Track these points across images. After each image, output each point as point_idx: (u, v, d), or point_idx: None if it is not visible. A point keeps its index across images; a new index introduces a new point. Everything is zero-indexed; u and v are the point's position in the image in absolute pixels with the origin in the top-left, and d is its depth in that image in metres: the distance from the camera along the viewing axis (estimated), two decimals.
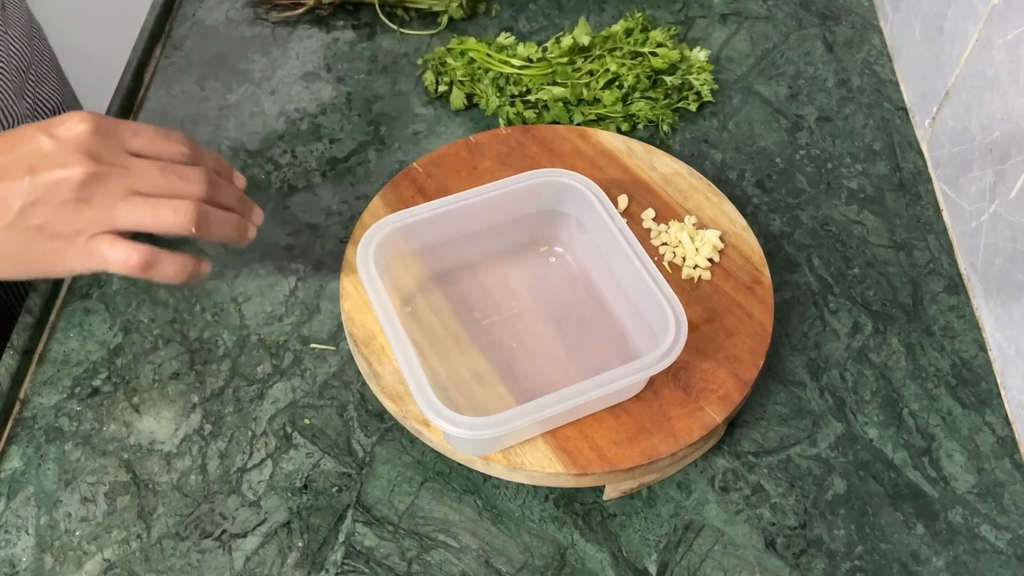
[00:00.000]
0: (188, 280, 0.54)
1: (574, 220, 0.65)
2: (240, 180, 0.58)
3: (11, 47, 0.76)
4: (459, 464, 0.59)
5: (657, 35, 0.81)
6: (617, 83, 0.78)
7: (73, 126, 0.50)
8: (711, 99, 0.81)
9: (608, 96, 0.78)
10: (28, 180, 0.49)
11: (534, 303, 0.64)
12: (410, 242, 0.62)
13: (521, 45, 0.81)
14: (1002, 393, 0.65)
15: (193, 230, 0.52)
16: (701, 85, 0.81)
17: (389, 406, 0.58)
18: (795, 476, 0.60)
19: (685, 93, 0.81)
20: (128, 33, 0.91)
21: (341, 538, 0.57)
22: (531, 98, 0.78)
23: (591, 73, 0.79)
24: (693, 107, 0.81)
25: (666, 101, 0.80)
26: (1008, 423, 0.63)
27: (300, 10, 0.88)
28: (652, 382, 0.59)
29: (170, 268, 0.52)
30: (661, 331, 0.56)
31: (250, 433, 0.61)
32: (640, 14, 0.83)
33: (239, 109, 0.81)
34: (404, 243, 0.61)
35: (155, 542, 0.57)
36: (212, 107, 0.82)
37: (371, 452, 0.61)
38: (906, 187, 0.77)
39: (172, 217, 0.51)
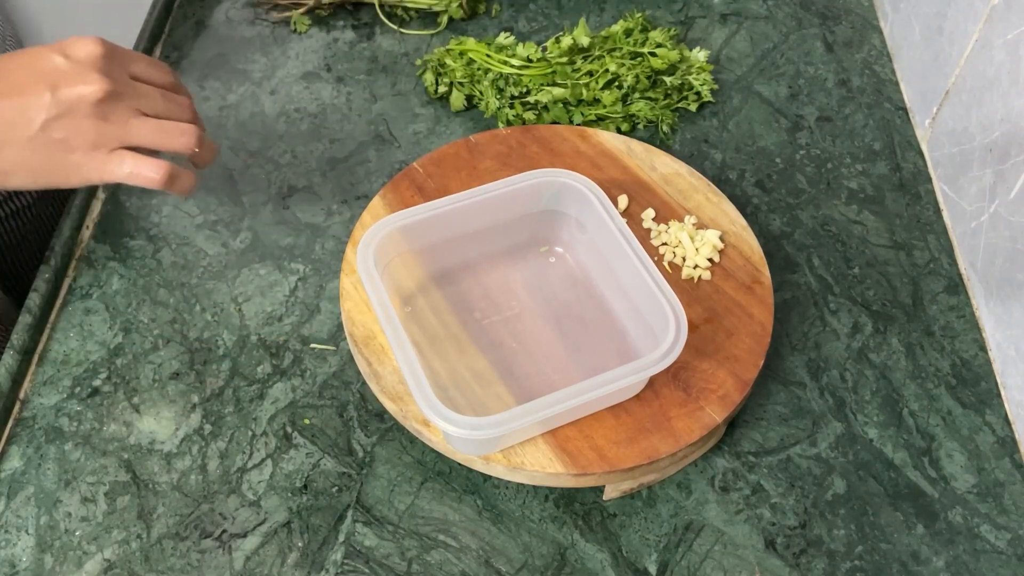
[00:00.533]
0: (191, 192, 0.59)
1: (574, 220, 0.65)
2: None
3: None
4: (459, 464, 0.59)
5: (657, 35, 0.81)
6: (616, 83, 0.78)
7: (86, 46, 0.54)
8: (711, 99, 0.81)
9: (608, 96, 0.78)
10: (49, 96, 0.52)
11: (534, 303, 0.64)
12: (410, 242, 0.62)
13: (520, 45, 0.81)
14: (1002, 393, 0.65)
15: (196, 150, 0.58)
16: (701, 85, 0.81)
17: (389, 406, 0.58)
18: (795, 476, 0.60)
19: (685, 93, 0.81)
20: (128, 33, 0.91)
21: (341, 538, 0.57)
22: (531, 99, 0.78)
23: (590, 74, 0.79)
24: (693, 107, 0.81)
25: (666, 101, 0.80)
26: (1008, 423, 0.63)
27: (300, 10, 0.88)
28: (652, 382, 0.59)
29: (187, 182, 0.58)
30: (661, 331, 0.56)
31: (250, 433, 0.61)
32: (640, 14, 0.83)
33: (239, 109, 0.81)
34: (404, 243, 0.61)
35: (155, 542, 0.57)
36: (212, 107, 0.82)
37: (371, 452, 0.61)
38: (906, 187, 0.77)
39: (180, 138, 0.57)
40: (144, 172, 0.55)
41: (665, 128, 0.79)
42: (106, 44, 0.55)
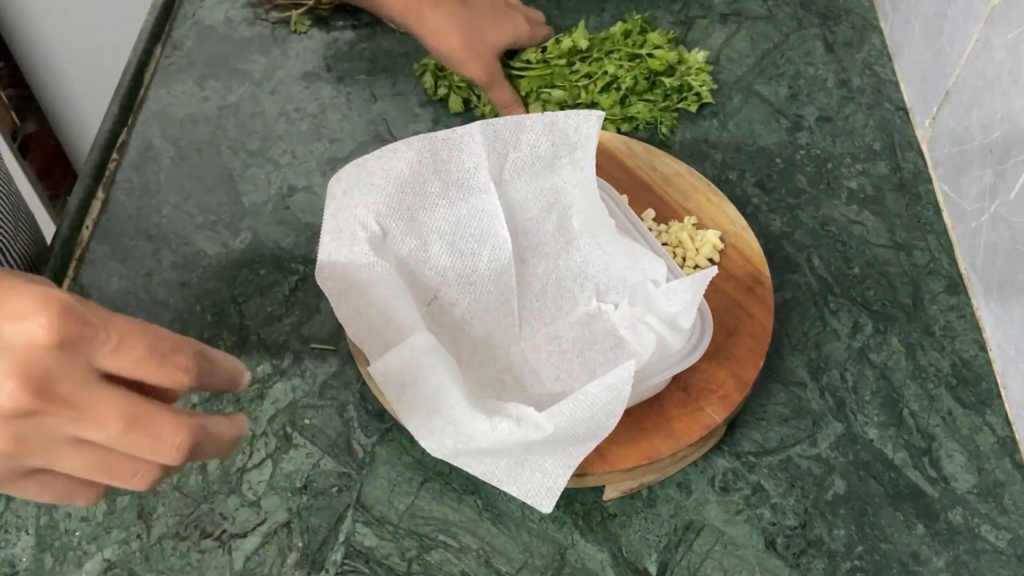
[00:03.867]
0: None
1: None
2: (240, 421, 0.42)
3: None
4: None
5: (655, 37, 0.81)
6: (615, 86, 0.78)
7: (27, 329, 0.34)
8: (711, 100, 0.81)
9: (606, 100, 0.78)
10: None
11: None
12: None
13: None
14: (1002, 393, 0.65)
15: (147, 489, 0.39)
16: (700, 86, 0.81)
17: (389, 406, 0.58)
18: (795, 476, 0.60)
19: (684, 94, 0.81)
20: (128, 33, 0.91)
21: (341, 538, 0.57)
22: (529, 103, 0.78)
23: (589, 76, 0.79)
24: (693, 108, 0.81)
25: (665, 103, 0.80)
26: (1008, 423, 0.63)
27: (300, 10, 0.88)
28: None
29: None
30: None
31: (250, 433, 0.61)
32: (639, 16, 0.83)
33: (239, 109, 0.81)
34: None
35: (155, 542, 0.57)
36: (212, 107, 0.82)
37: (371, 452, 0.61)
38: (906, 187, 0.77)
39: (129, 480, 0.38)
40: (77, 502, 0.39)
41: (664, 130, 0.79)
42: (67, 325, 0.35)
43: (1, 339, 0.34)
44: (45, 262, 0.70)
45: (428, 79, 0.82)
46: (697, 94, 0.81)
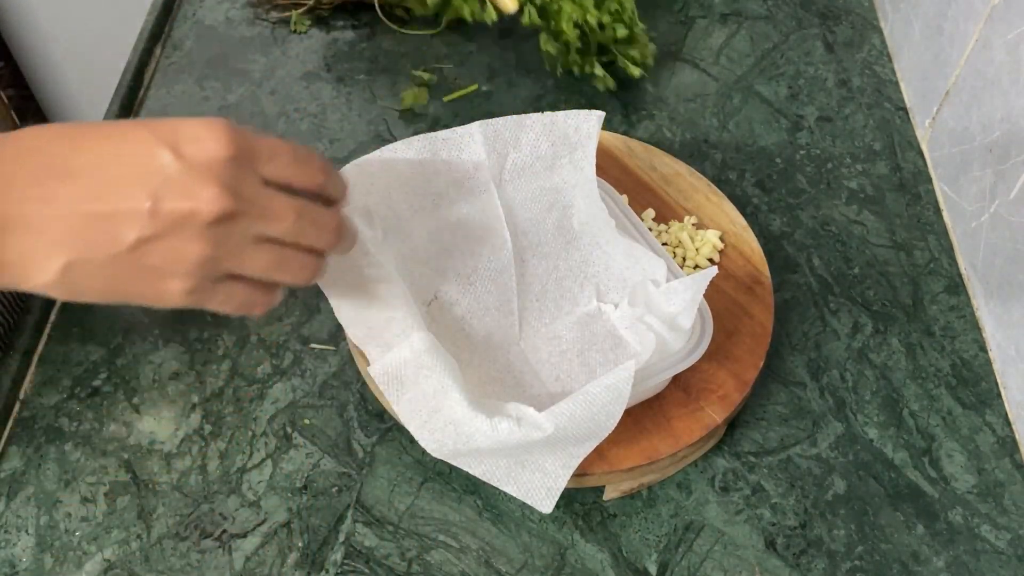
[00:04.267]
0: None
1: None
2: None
3: None
4: None
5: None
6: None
7: (208, 145, 0.40)
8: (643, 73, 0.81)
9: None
10: (148, 208, 0.40)
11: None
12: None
13: None
14: (1002, 393, 0.65)
15: (308, 284, 0.47)
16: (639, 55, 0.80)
17: (389, 406, 0.58)
18: (795, 476, 0.60)
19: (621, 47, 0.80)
20: (128, 33, 0.91)
21: (341, 538, 0.57)
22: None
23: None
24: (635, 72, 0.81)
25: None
26: (1008, 423, 0.63)
27: (300, 10, 0.88)
28: None
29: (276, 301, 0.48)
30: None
31: (250, 433, 0.61)
32: None
33: (239, 109, 0.81)
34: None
35: (155, 542, 0.57)
36: (212, 107, 0.82)
37: (371, 452, 0.61)
38: (906, 187, 0.77)
39: (298, 274, 0.46)
40: (253, 309, 0.46)
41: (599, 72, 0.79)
42: (236, 141, 0.41)
43: (188, 159, 0.40)
44: None
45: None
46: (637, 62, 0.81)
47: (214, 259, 0.42)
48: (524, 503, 0.58)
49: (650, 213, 0.69)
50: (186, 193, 0.40)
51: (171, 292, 0.43)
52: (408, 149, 0.60)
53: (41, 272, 0.40)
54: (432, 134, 0.61)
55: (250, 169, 0.42)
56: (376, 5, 0.88)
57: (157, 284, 0.42)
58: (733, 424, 0.63)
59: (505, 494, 0.59)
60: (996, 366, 0.66)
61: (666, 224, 0.69)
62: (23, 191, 0.40)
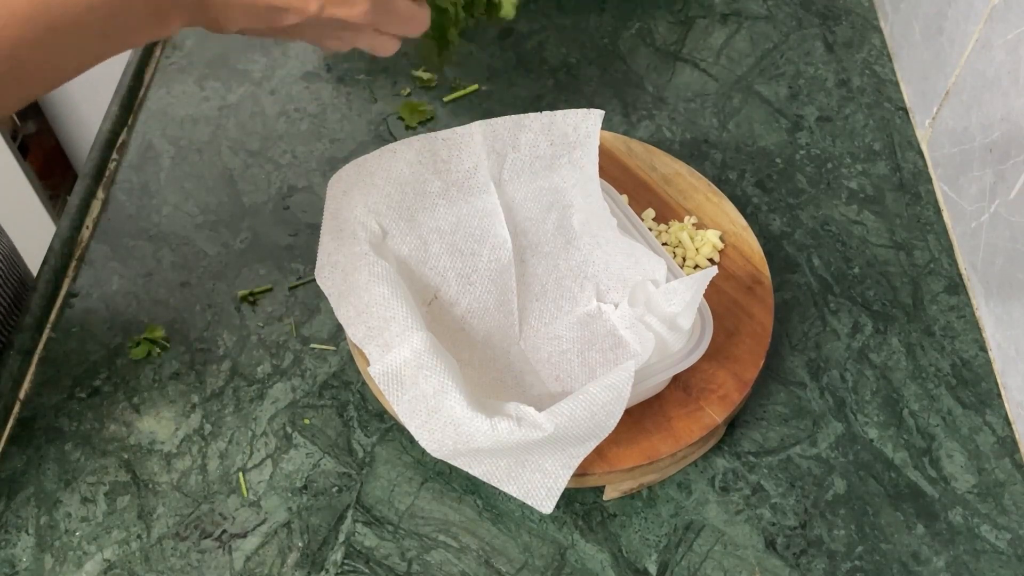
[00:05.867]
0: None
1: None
2: None
3: None
4: None
5: None
6: None
7: None
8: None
9: None
10: (314, 9, 0.52)
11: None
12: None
13: None
14: (1002, 393, 0.65)
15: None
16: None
17: (389, 406, 0.58)
18: (795, 476, 0.60)
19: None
20: None
21: (341, 538, 0.57)
22: None
23: None
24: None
25: None
26: (1008, 423, 0.63)
27: None
28: None
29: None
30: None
31: (250, 433, 0.61)
32: None
33: (239, 109, 0.81)
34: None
35: (155, 542, 0.57)
36: (212, 107, 0.82)
37: (371, 452, 0.61)
38: (906, 187, 0.77)
39: (391, 50, 0.58)
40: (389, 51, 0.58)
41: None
42: None
43: None
44: (46, 261, 0.70)
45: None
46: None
47: (370, 13, 0.54)
48: (524, 503, 0.58)
49: (650, 213, 0.69)
50: (345, 4, 0.52)
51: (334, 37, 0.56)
52: (408, 149, 0.60)
53: (224, 28, 0.53)
54: (432, 134, 0.61)
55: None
56: None
57: (333, 32, 0.55)
58: (733, 424, 0.63)
59: (505, 494, 0.59)
60: (996, 366, 0.66)
61: (666, 224, 0.69)
62: None
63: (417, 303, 0.58)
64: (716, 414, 0.58)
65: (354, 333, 0.56)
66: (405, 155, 0.60)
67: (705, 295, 0.64)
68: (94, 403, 0.63)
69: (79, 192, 0.74)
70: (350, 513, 0.58)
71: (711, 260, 0.66)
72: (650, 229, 0.68)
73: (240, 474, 0.59)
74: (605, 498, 0.59)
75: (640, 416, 0.58)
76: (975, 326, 0.68)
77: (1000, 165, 0.67)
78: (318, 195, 0.75)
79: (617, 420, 0.51)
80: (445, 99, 0.83)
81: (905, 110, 0.83)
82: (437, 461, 0.60)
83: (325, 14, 0.53)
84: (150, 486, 0.59)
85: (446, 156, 0.61)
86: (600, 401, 0.51)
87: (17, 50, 0.46)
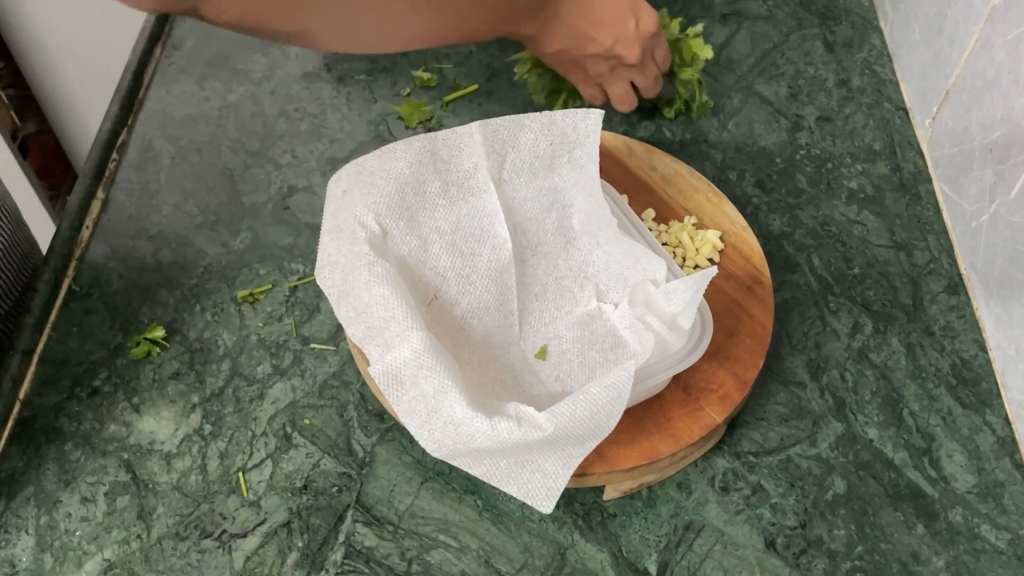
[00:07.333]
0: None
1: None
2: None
3: None
4: None
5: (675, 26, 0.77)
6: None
7: (649, 25, 0.69)
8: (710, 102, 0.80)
9: None
10: (609, 44, 0.69)
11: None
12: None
13: None
14: (1002, 393, 0.65)
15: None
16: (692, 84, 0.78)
17: (389, 406, 0.58)
18: (795, 476, 0.60)
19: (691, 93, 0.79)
20: (128, 33, 0.91)
21: (341, 538, 0.57)
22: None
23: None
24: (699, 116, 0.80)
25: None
26: (1008, 423, 0.63)
27: None
28: None
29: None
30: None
31: (250, 433, 0.61)
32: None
33: (239, 109, 0.81)
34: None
35: (155, 542, 0.57)
36: (212, 107, 0.82)
37: (371, 452, 0.61)
38: (906, 187, 0.77)
39: (626, 108, 0.77)
40: (622, 107, 0.77)
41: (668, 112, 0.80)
42: (658, 24, 0.70)
43: (640, 23, 0.69)
44: (46, 261, 0.70)
45: (532, 79, 0.79)
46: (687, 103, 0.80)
47: (639, 63, 0.71)
48: (524, 503, 0.58)
49: (650, 213, 0.69)
50: (629, 47, 0.70)
51: (575, 78, 0.75)
52: (408, 149, 0.60)
53: (543, 46, 0.70)
54: (432, 134, 0.61)
55: (656, 42, 0.72)
56: None
57: (575, 70, 0.74)
58: (733, 424, 0.63)
59: (505, 494, 0.59)
60: (996, 366, 0.66)
61: (666, 224, 0.69)
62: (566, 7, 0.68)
63: (417, 303, 0.58)
64: (716, 414, 0.58)
65: (354, 333, 0.56)
66: (405, 155, 0.60)
67: (705, 295, 0.64)
68: (94, 403, 0.63)
69: (79, 192, 0.74)
70: (350, 513, 0.58)
71: (711, 260, 0.66)
72: (650, 229, 0.68)
73: (240, 474, 0.59)
74: (605, 498, 0.59)
75: (640, 416, 0.58)
76: (975, 326, 0.68)
77: (1000, 165, 0.67)
78: (318, 195, 0.75)
79: (617, 420, 0.51)
80: (445, 99, 0.83)
81: (905, 110, 0.83)
82: (437, 461, 0.60)
83: (615, 51, 0.69)
84: (150, 486, 0.59)
85: (446, 156, 0.61)
86: (600, 401, 0.51)
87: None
